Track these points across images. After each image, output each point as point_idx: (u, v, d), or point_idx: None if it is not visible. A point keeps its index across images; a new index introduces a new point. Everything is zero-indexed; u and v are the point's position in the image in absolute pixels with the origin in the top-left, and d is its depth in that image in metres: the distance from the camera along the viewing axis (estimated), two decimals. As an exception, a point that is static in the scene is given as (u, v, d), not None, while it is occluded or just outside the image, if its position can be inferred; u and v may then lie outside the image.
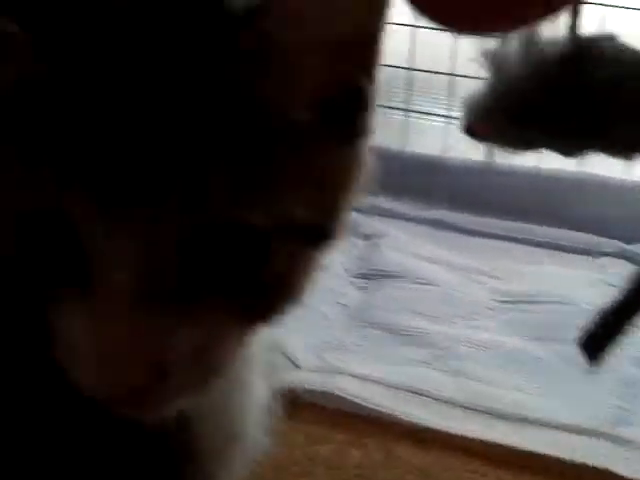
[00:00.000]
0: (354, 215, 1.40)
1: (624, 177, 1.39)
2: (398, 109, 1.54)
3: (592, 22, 0.77)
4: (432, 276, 1.27)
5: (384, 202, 1.49)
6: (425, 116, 1.60)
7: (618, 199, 1.40)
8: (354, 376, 0.99)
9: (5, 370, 0.38)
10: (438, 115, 1.55)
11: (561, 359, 1.06)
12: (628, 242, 1.35)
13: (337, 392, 0.95)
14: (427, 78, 1.53)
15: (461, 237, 1.42)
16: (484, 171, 1.44)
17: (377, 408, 0.94)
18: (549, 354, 1.07)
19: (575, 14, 0.64)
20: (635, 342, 1.11)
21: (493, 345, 1.08)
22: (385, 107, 1.56)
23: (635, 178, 1.39)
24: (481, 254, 1.36)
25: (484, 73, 0.71)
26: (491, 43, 0.68)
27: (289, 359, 1.02)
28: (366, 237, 1.40)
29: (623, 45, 0.65)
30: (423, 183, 1.47)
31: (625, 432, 0.93)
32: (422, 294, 1.21)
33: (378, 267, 1.29)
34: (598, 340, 0.74)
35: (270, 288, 0.36)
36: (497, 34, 0.64)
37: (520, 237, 1.40)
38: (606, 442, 0.91)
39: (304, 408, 0.95)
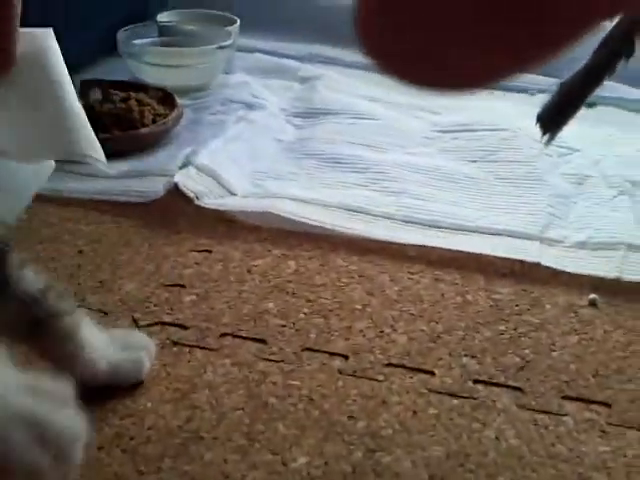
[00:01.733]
0: (290, 61, 1.38)
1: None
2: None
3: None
4: (370, 112, 1.25)
5: (322, 50, 1.47)
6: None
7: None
8: (291, 198, 0.98)
9: None
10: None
11: (497, 177, 1.07)
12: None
13: (274, 211, 0.94)
14: None
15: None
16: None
17: (315, 224, 0.93)
18: (485, 174, 1.07)
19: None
20: (570, 160, 1.14)
21: (430, 168, 1.08)
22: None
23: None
24: (422, 93, 1.34)
25: None
26: None
27: (224, 187, 1.01)
28: (303, 80, 1.38)
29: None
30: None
31: (554, 234, 0.95)
32: (359, 127, 1.20)
33: (315, 106, 1.27)
34: (555, 113, 0.74)
35: None
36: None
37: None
38: (537, 242, 0.93)
39: (241, 229, 0.94)
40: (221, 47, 1.33)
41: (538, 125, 0.73)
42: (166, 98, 1.18)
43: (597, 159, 1.14)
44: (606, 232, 0.95)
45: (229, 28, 1.39)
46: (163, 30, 1.42)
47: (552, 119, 0.73)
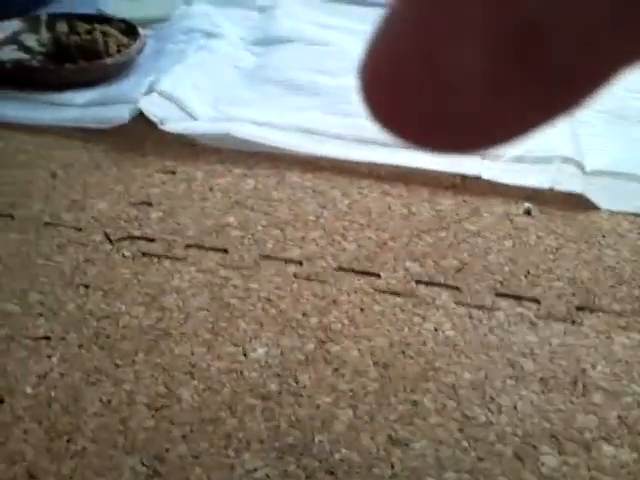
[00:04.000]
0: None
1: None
2: None
3: None
4: (326, 39, 1.31)
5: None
6: None
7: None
8: (249, 122, 1.04)
9: None
10: None
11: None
12: None
13: (233, 134, 1.01)
14: None
15: (357, 8, 1.45)
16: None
17: (272, 144, 1.00)
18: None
19: None
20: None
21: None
22: None
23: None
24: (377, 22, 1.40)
25: None
26: None
27: (186, 112, 1.06)
28: (261, 10, 1.43)
29: None
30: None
31: (494, 150, 1.01)
32: (316, 54, 1.26)
33: (273, 34, 1.32)
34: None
35: None
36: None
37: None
38: (478, 157, 1.00)
39: (203, 151, 1.00)
40: (181, -23, 1.37)
41: None
42: (129, 29, 1.23)
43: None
44: (543, 147, 1.03)
45: (188, -42, 1.43)
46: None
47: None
